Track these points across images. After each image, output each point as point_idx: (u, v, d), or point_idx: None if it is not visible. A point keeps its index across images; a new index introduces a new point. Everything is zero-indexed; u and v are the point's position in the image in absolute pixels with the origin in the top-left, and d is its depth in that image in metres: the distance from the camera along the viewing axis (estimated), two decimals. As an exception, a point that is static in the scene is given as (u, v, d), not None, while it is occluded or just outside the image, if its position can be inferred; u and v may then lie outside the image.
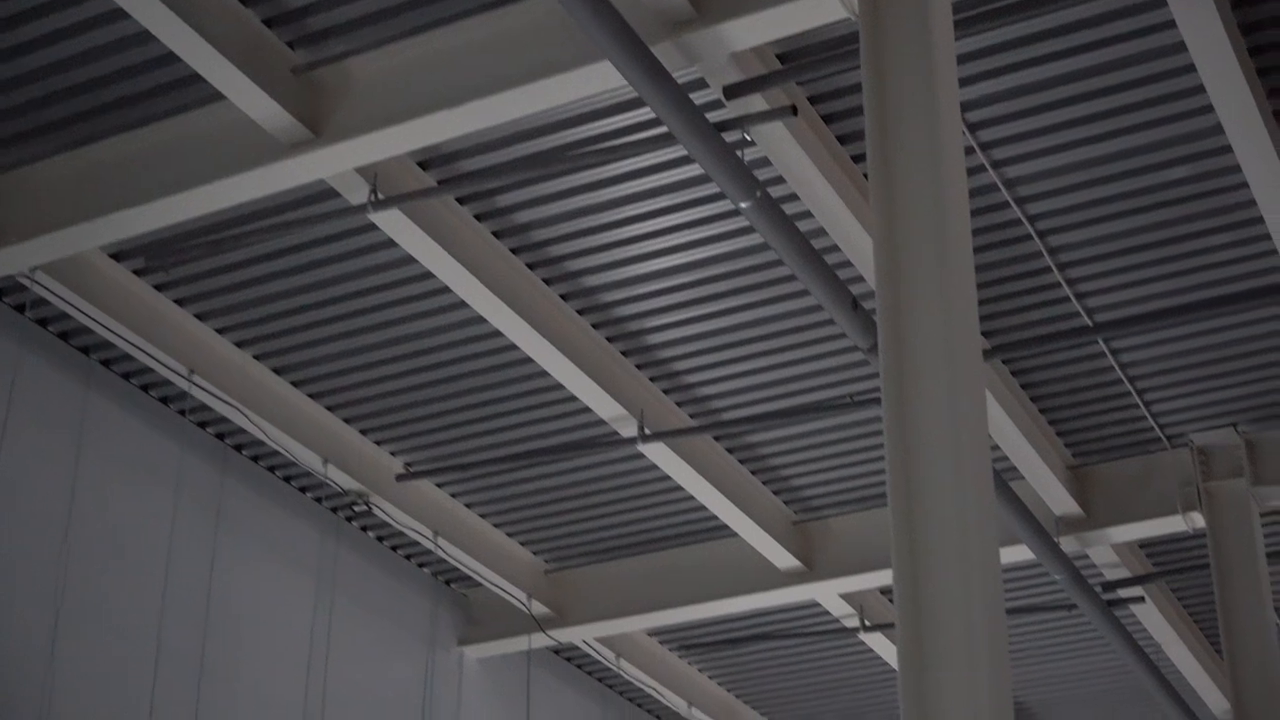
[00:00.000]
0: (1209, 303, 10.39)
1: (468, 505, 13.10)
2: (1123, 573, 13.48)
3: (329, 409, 11.82)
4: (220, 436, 11.93)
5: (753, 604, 13.71)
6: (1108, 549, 13.04)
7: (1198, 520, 12.16)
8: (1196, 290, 10.54)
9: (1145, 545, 13.64)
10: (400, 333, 10.97)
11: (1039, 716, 17.07)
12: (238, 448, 12.06)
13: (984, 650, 5.91)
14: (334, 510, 12.79)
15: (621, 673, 15.10)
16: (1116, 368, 11.38)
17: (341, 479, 12.03)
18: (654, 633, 15.21)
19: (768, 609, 14.36)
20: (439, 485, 12.83)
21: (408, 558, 13.63)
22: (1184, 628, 14.60)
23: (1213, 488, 12.06)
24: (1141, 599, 13.70)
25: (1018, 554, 12.27)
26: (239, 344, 11.12)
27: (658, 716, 16.56)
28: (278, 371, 11.40)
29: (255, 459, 12.19)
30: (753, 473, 12.68)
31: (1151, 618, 14.08)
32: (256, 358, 11.26)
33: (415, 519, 12.61)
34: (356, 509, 12.51)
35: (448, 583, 14.07)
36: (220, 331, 10.98)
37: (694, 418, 11.87)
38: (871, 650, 15.03)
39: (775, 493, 12.97)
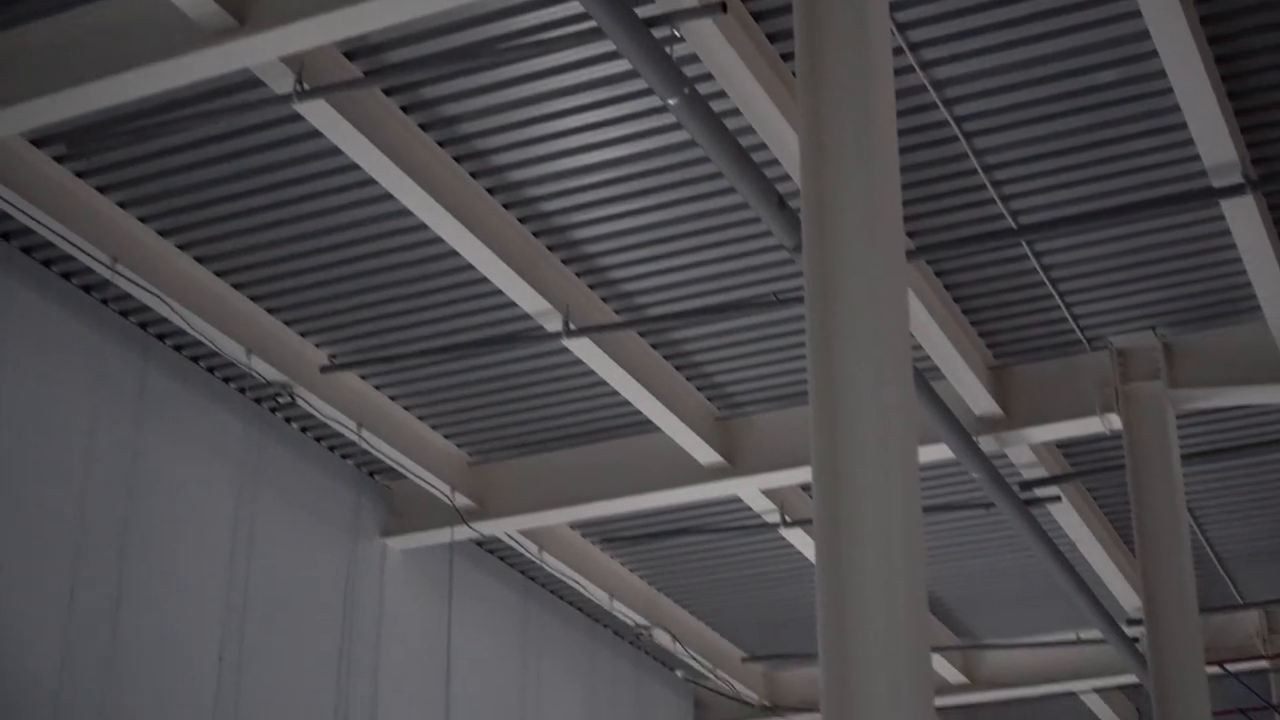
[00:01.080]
0: (1132, 206, 10.47)
1: (392, 398, 13.10)
2: (1040, 472, 13.64)
3: (253, 300, 11.76)
4: (143, 326, 11.85)
5: (675, 499, 13.82)
6: (1026, 449, 13.19)
7: (1115, 421, 12.31)
8: (1120, 194, 10.61)
9: (1063, 445, 13.80)
10: (325, 224, 10.91)
11: (956, 612, 17.32)
12: (160, 337, 11.98)
13: (900, 546, 6.00)
14: (258, 401, 12.76)
15: (544, 565, 15.20)
16: (1039, 270, 11.46)
17: (265, 370, 11.99)
18: (576, 526, 15.30)
19: (690, 504, 14.46)
20: (363, 378, 12.82)
21: (331, 449, 13.63)
22: (1099, 527, 14.82)
23: (1130, 390, 12.19)
24: (1058, 498, 13.89)
25: (937, 452, 12.40)
26: (162, 233, 11.03)
27: (579, 609, 16.70)
28: (201, 261, 11.32)
29: (178, 349, 12.13)
30: (677, 369, 12.73)
31: (1067, 517, 14.29)
32: (180, 247, 11.18)
33: (339, 411, 12.60)
34: (280, 400, 12.48)
35: (371, 474, 14.09)
36: (143, 220, 10.89)
37: (619, 313, 11.89)
38: (792, 546, 15.18)
39: (699, 389, 13.04)
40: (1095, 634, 16.17)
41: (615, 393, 12.61)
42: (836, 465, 6.10)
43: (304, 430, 13.32)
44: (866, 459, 6.07)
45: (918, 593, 5.99)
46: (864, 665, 5.86)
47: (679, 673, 18.24)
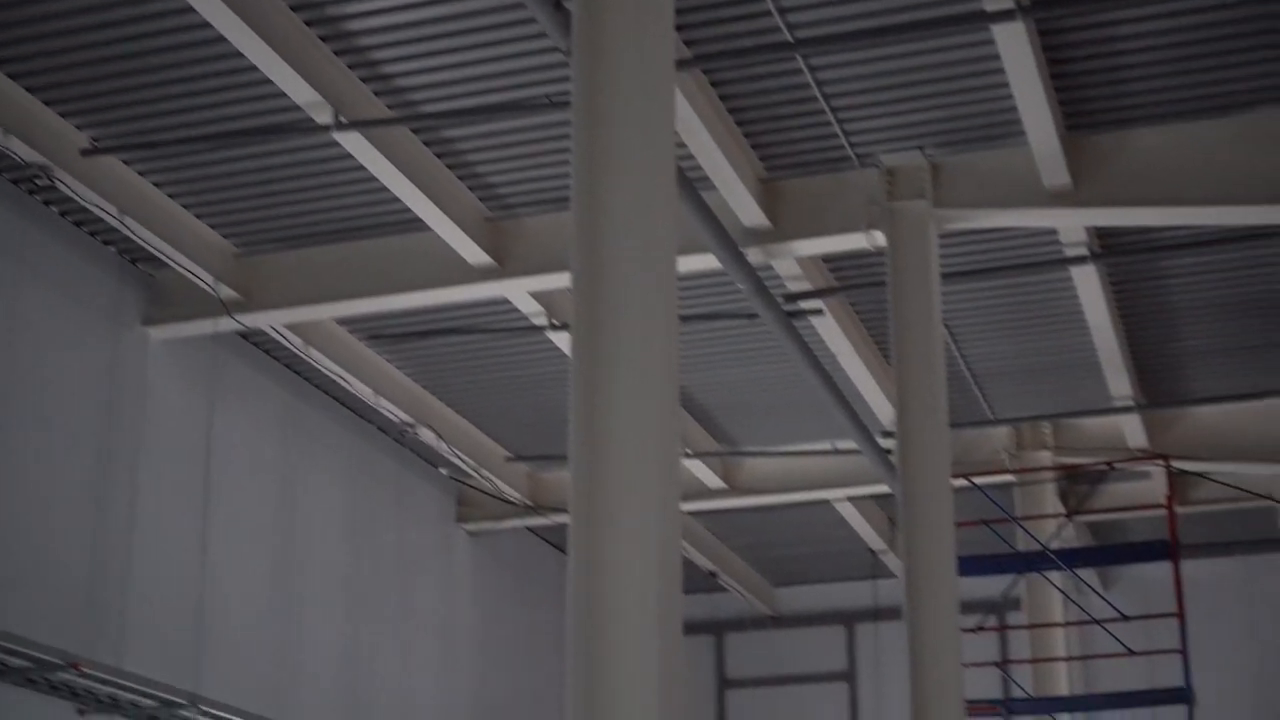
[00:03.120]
0: (906, 26, 10.58)
1: (156, 185, 12.82)
2: (805, 285, 13.85)
3: (10, 76, 11.36)
4: (-107, 99, 11.42)
5: (443, 298, 13.80)
6: (792, 261, 13.36)
7: (879, 238, 12.52)
8: (896, 13, 10.68)
9: (828, 260, 14.00)
10: (90, 1, 10.55)
11: (718, 419, 17.61)
12: (-88, 112, 11.57)
13: (658, 348, 6.07)
14: (15, 183, 12.39)
15: (309, 360, 15.11)
16: (813, 85, 11.54)
17: (23, 151, 11.64)
18: (343, 322, 15.20)
19: (458, 303, 14.43)
20: (127, 163, 12.51)
21: (93, 235, 13.33)
22: (859, 341, 15.13)
23: (896, 208, 12.39)
24: (821, 311, 14.13)
25: (704, 262, 12.49)
26: (-86, 2, 10.59)
27: (345, 405, 16.66)
28: (-44, 34, 10.92)
29: (-70, 125, 11.72)
30: (449, 167, 12.63)
31: (829, 330, 14.57)
32: (-67, 18, 10.76)
33: (101, 196, 12.31)
34: (39, 183, 12.14)
35: (134, 262, 13.81)
36: (-106, -12, 10.44)
37: (392, 109, 11.73)
38: (558, 348, 15.27)
39: (470, 189, 12.96)
40: (851, 445, 16.57)
41: (385, 189, 12.47)
42: (596, 268, 6.14)
43: (64, 215, 12.99)
44: (626, 263, 6.12)
45: (670, 393, 6.08)
46: (613, 465, 5.95)
47: (443, 471, 18.35)
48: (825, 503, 19.04)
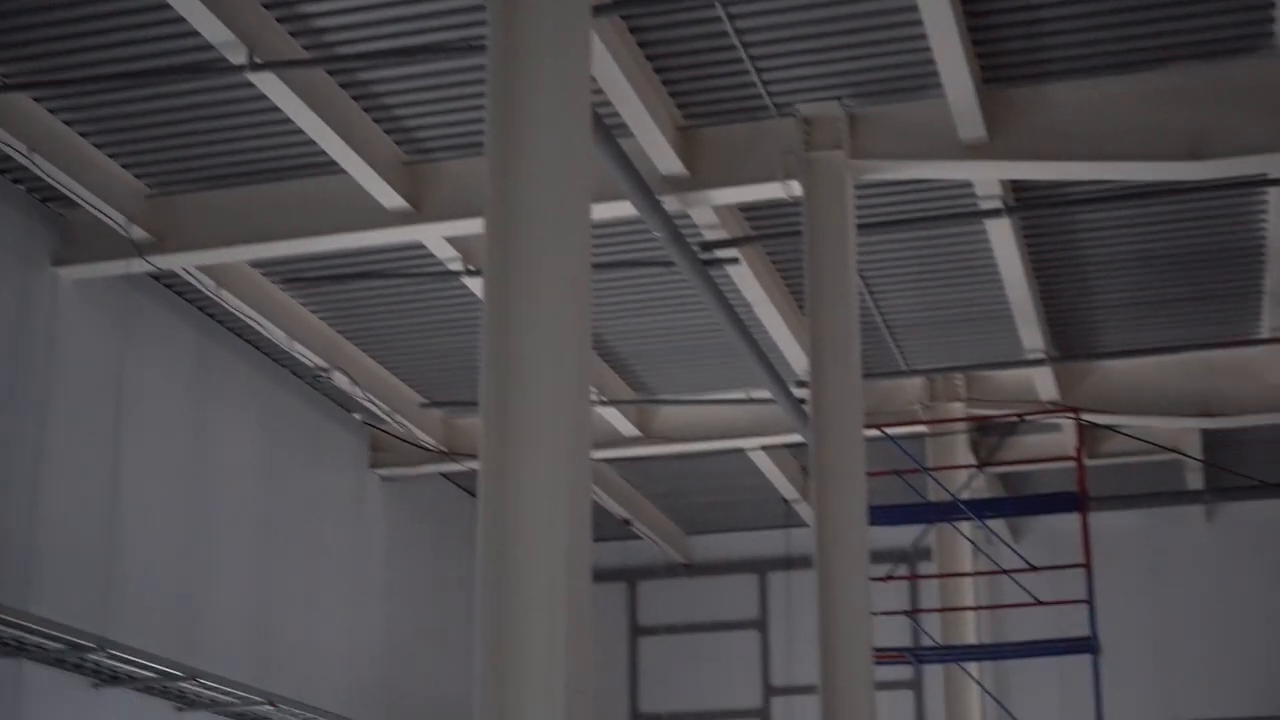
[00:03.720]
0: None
1: (67, 123, 12.65)
2: (721, 234, 13.86)
3: (-83, 10, 11.20)
4: None
5: (359, 242, 13.73)
6: (709, 210, 13.37)
7: (796, 188, 12.55)
8: (814, -38, 10.69)
9: (745, 209, 14.01)
10: (-2, -65, 10.40)
11: (633, 367, 17.62)
12: None
13: (570, 295, 6.06)
14: (-79, 118, 12.22)
15: (222, 302, 14.98)
16: (732, 33, 11.52)
17: (-71, 86, 11.47)
18: (257, 265, 15.08)
19: (374, 247, 14.36)
20: (37, 100, 12.34)
21: (1, 173, 13.14)
22: (775, 290, 15.17)
23: (813, 158, 12.41)
24: (737, 260, 14.15)
25: (621, 209, 12.47)
26: None
27: (258, 348, 16.55)
28: None
29: None
30: (365, 110, 12.54)
31: (745, 279, 14.59)
32: None
33: (9, 133, 12.14)
34: (-54, 118, 11.97)
35: (44, 201, 13.64)
36: None
37: (308, 50, 11.61)
38: (474, 294, 15.21)
39: (387, 132, 12.88)
40: (765, 394, 16.62)
41: (300, 131, 12.35)
42: (510, 213, 6.12)
43: (-28, 151, 12.82)
44: (540, 209, 6.10)
45: (582, 339, 6.08)
46: (524, 411, 5.95)
47: (357, 416, 18.28)
48: (739, 451, 19.12)
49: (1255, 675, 21.04)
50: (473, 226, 13.33)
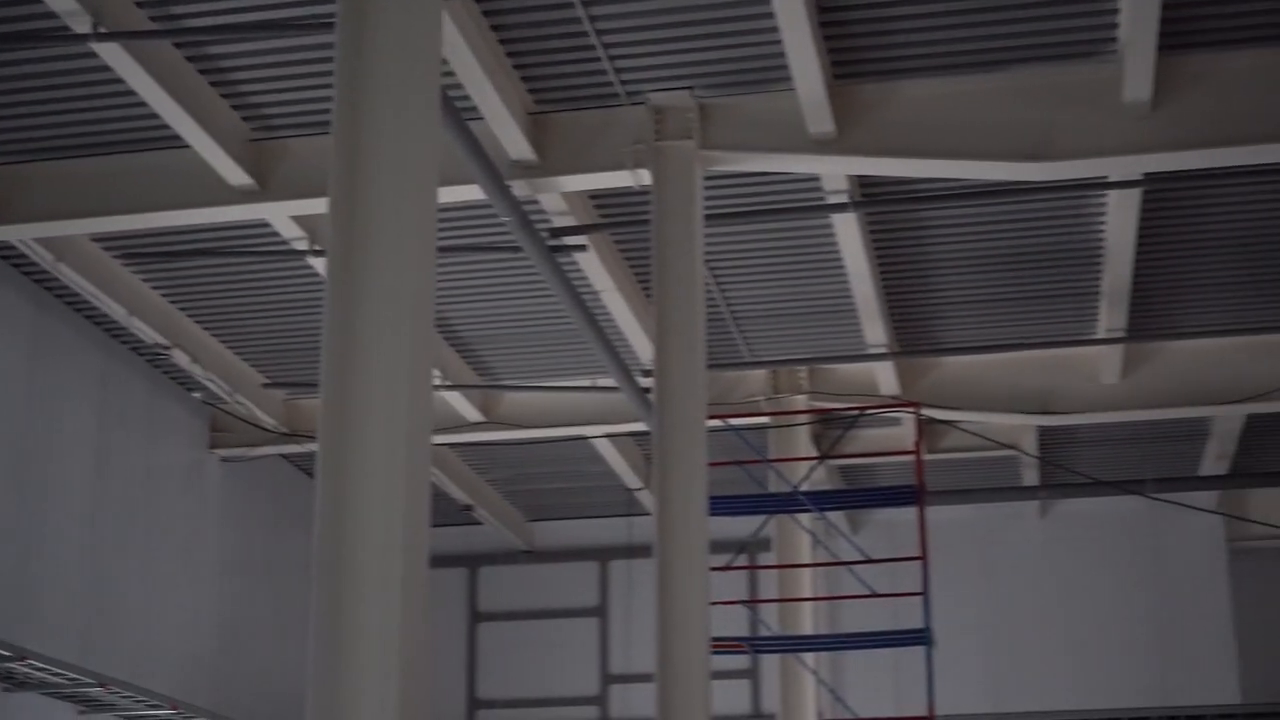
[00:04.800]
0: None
1: (-99, 88, 12.37)
2: (570, 221, 13.85)
3: None
4: None
5: (202, 218, 13.53)
6: (558, 196, 13.35)
7: (645, 177, 12.57)
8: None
9: (594, 196, 14.01)
10: None
11: (479, 352, 17.56)
12: None
13: (413, 277, 6.02)
14: None
15: (59, 276, 14.70)
16: (585, 20, 11.51)
17: None
18: (96, 238, 14.81)
19: (217, 224, 14.15)
20: None
21: None
22: (622, 279, 15.18)
23: (663, 147, 12.44)
24: (584, 248, 14.15)
25: (469, 193, 12.43)
26: None
27: (96, 323, 16.27)
28: None
29: None
30: (212, 85, 12.36)
31: (592, 266, 14.59)
32: None
33: None
34: None
35: (-124, 167, 13.32)
36: None
37: (154, 21, 11.42)
38: (319, 274, 15.06)
39: (234, 108, 12.70)
40: (610, 382, 16.65)
41: (145, 104, 12.15)
42: (354, 193, 6.07)
43: None
44: (384, 190, 6.05)
45: (424, 320, 6.04)
46: (363, 393, 5.90)
47: (197, 395, 18.04)
48: (583, 439, 19.12)
49: (1084, 668, 21.47)
50: (318, 205, 13.18)
